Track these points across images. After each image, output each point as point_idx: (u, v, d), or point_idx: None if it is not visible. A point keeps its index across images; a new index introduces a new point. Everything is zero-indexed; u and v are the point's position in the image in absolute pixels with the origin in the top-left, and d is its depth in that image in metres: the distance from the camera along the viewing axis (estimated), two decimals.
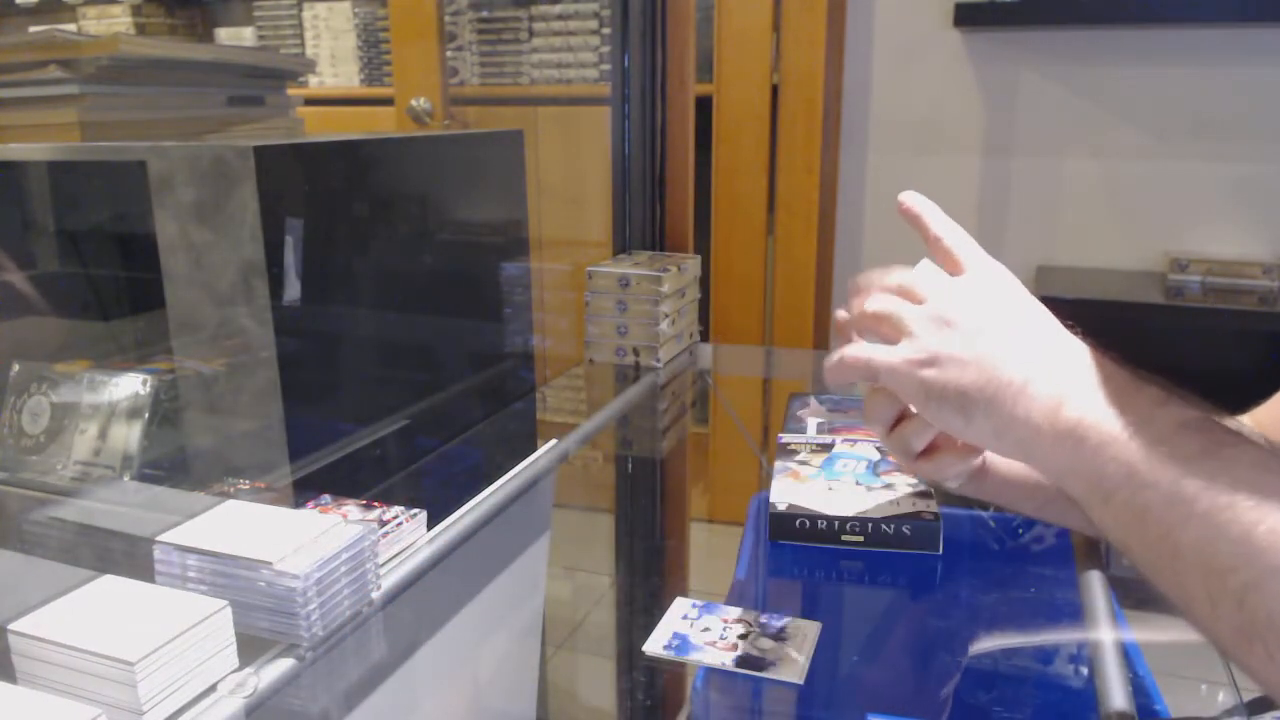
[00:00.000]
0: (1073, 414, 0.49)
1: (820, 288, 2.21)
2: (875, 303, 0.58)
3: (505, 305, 1.12)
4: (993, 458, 0.68)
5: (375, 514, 0.70)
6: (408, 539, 0.71)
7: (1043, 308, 0.56)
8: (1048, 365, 0.52)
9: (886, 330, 0.57)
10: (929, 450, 0.62)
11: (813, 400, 1.09)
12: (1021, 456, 0.53)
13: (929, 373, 0.53)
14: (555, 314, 1.54)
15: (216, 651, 0.53)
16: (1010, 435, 0.52)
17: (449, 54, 2.51)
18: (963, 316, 0.54)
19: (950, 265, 0.58)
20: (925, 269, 0.59)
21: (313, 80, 2.77)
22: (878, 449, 0.92)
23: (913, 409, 0.59)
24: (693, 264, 1.33)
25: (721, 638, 0.66)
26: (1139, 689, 0.65)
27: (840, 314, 0.62)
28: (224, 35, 2.98)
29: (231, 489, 0.77)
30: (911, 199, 0.61)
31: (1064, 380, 0.51)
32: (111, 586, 0.56)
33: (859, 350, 0.57)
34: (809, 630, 0.67)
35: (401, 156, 0.94)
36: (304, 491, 0.74)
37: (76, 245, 1.06)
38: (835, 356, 0.58)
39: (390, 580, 0.66)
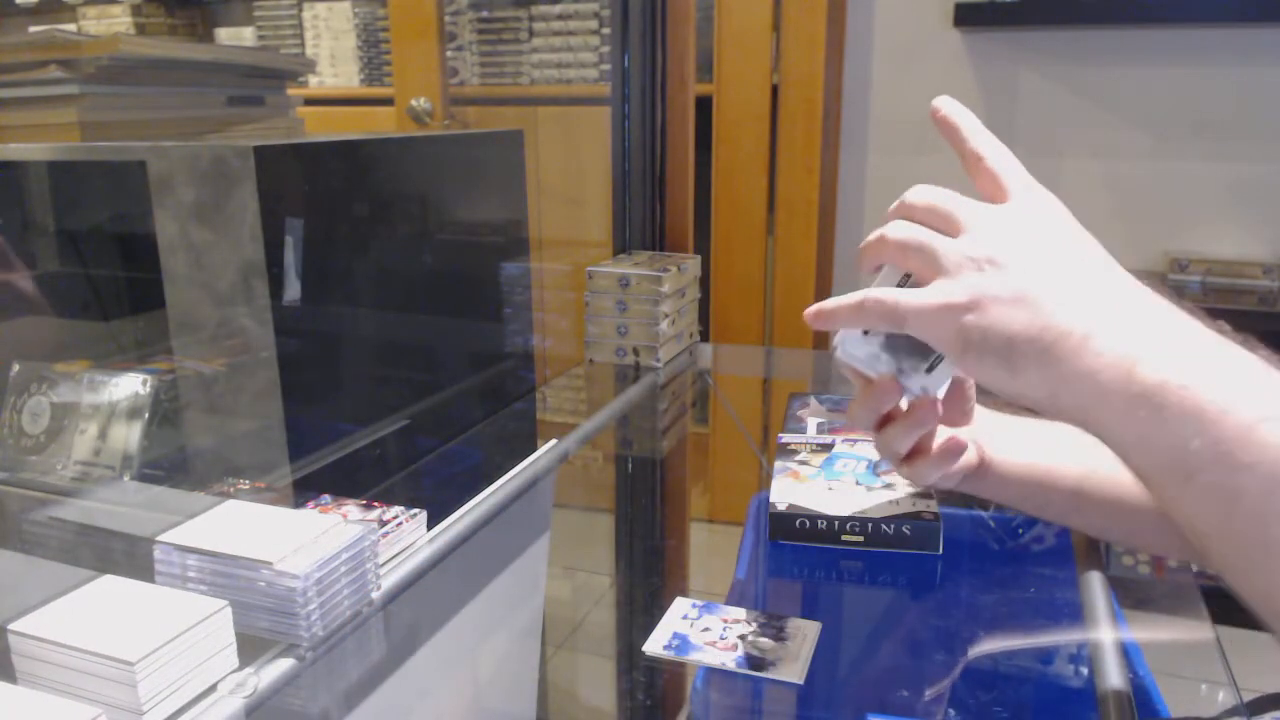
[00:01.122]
0: (1151, 376, 0.41)
1: (820, 288, 2.21)
2: (902, 230, 0.49)
3: (505, 305, 1.12)
4: (993, 455, 0.67)
5: (375, 514, 0.70)
6: (408, 539, 0.71)
7: (1097, 245, 0.47)
8: (1115, 314, 0.44)
9: (917, 265, 0.49)
10: (912, 454, 0.58)
11: (813, 400, 1.09)
12: (1079, 420, 0.45)
13: (969, 318, 0.45)
14: (555, 314, 1.54)
15: (216, 651, 0.53)
16: (1068, 394, 0.44)
17: (449, 54, 2.51)
18: (1010, 251, 0.46)
19: (992, 190, 0.50)
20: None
21: (313, 80, 2.77)
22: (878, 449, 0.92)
23: (902, 405, 0.56)
24: (693, 264, 1.33)
25: (721, 638, 0.66)
26: (1139, 689, 0.65)
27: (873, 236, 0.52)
28: (224, 35, 2.98)
29: (231, 489, 0.77)
30: (947, 105, 0.53)
31: (1136, 333, 0.43)
32: (111, 586, 0.56)
33: (884, 293, 0.49)
34: (809, 630, 0.67)
35: (401, 156, 0.94)
36: (304, 491, 0.74)
37: (76, 245, 1.06)
38: (854, 298, 0.50)
39: (390, 580, 0.66)
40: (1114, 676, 0.61)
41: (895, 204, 0.52)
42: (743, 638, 0.66)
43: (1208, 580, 0.62)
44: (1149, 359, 0.42)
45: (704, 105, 2.06)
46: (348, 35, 2.78)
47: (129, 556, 0.67)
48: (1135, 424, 0.42)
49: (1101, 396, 0.43)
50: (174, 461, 0.83)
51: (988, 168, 0.51)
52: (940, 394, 0.55)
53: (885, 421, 0.57)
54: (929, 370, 0.54)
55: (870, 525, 0.78)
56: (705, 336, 1.42)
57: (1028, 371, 0.45)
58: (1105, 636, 0.66)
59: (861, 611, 0.76)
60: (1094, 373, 0.43)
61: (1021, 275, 0.45)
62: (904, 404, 0.56)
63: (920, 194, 0.51)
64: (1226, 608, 0.55)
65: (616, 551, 1.04)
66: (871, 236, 0.52)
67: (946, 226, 0.49)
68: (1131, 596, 0.74)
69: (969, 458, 0.63)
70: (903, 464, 0.59)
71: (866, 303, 0.50)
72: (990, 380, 0.48)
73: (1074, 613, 0.71)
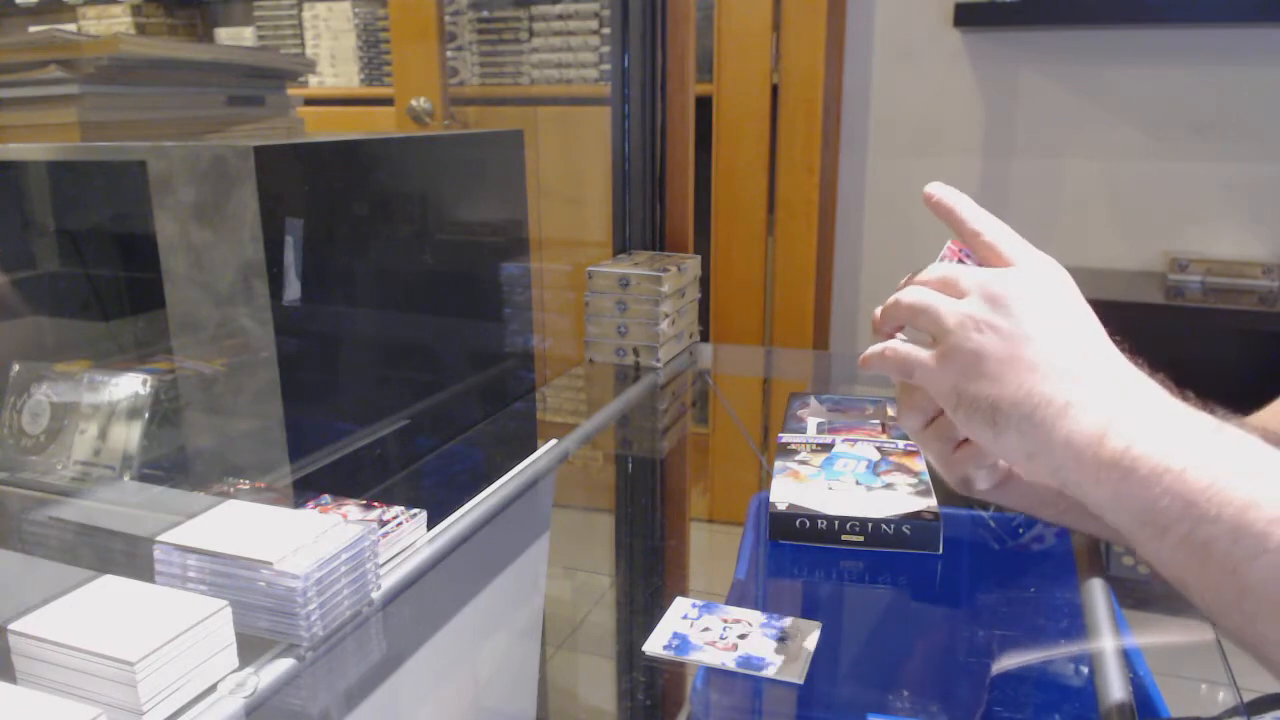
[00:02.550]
0: (1119, 443, 0.45)
1: (820, 288, 2.21)
2: (912, 294, 0.55)
3: (505, 305, 1.12)
4: None
5: (375, 514, 0.70)
6: (408, 539, 0.71)
7: (1091, 315, 0.52)
8: (1093, 385, 0.48)
9: (923, 325, 0.54)
10: (963, 442, 0.58)
11: (813, 400, 1.09)
12: (1056, 482, 0.49)
13: (961, 378, 0.50)
14: (555, 314, 1.54)
15: (216, 651, 0.53)
16: (1045, 459, 0.49)
17: (449, 54, 2.51)
18: (1003, 319, 0.50)
19: (995, 261, 0.55)
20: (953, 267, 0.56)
21: (313, 80, 2.77)
22: (878, 449, 0.92)
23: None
24: (693, 264, 1.33)
25: (721, 638, 0.66)
26: (1139, 689, 0.65)
27: (877, 311, 0.59)
28: (224, 35, 2.98)
29: (231, 489, 0.77)
30: (940, 190, 0.57)
31: (1110, 404, 0.47)
32: (111, 586, 0.56)
33: (899, 347, 0.55)
34: (809, 630, 0.67)
35: (401, 156, 0.94)
36: (304, 491, 0.74)
37: (76, 245, 1.06)
38: (878, 348, 0.56)
39: (390, 580, 0.66)
40: (1114, 676, 0.61)
41: (910, 276, 0.58)
42: (743, 638, 0.66)
43: None
44: (1117, 427, 0.46)
45: (704, 105, 2.06)
46: (348, 35, 2.78)
47: (129, 556, 0.67)
48: (1108, 485, 0.46)
49: (1077, 461, 0.47)
50: (174, 461, 0.83)
51: (987, 241, 0.55)
52: None
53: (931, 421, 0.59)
54: None
55: (870, 525, 0.78)
56: (705, 336, 1.42)
57: (1008, 433, 0.49)
58: (1106, 637, 0.66)
59: (861, 611, 0.76)
60: (1069, 439, 0.47)
61: (1011, 343, 0.50)
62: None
63: (934, 269, 0.56)
64: None
65: (616, 551, 1.04)
66: (889, 301, 0.57)
67: (953, 292, 0.53)
68: (1132, 597, 0.74)
69: None
70: (957, 449, 0.59)
71: (886, 353, 0.56)
72: (976, 437, 0.52)
73: (1074, 613, 0.71)
